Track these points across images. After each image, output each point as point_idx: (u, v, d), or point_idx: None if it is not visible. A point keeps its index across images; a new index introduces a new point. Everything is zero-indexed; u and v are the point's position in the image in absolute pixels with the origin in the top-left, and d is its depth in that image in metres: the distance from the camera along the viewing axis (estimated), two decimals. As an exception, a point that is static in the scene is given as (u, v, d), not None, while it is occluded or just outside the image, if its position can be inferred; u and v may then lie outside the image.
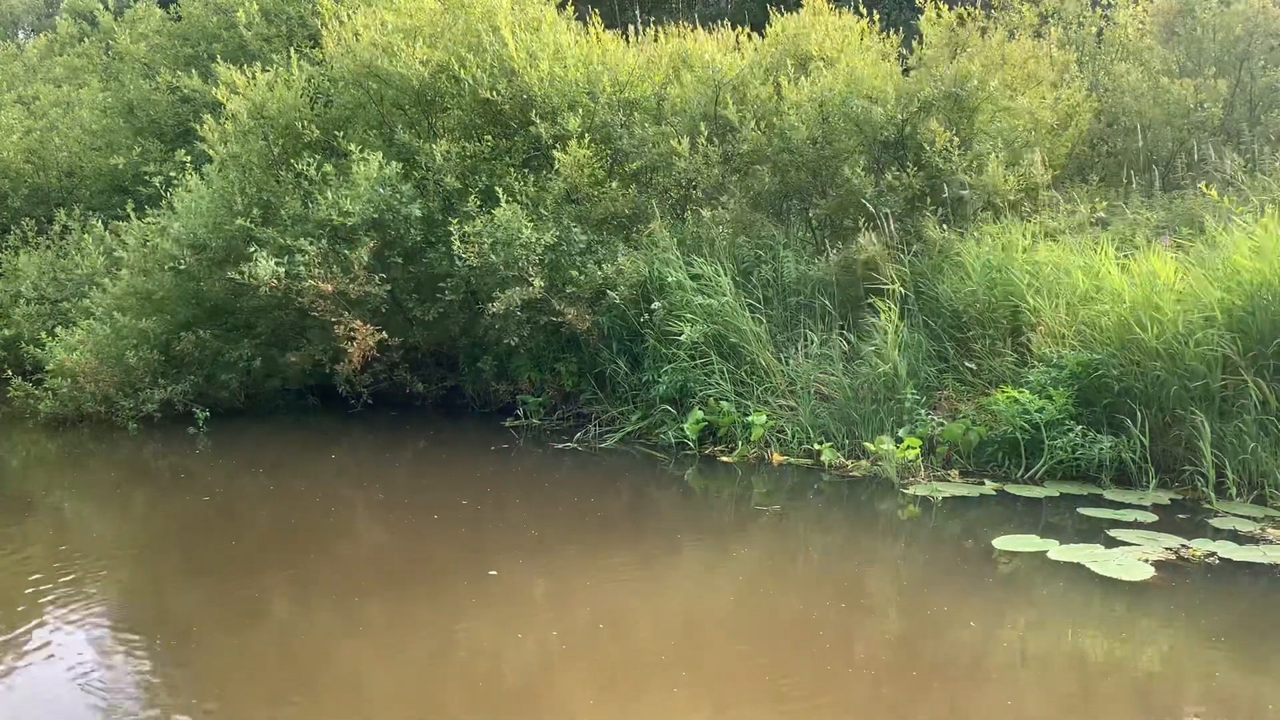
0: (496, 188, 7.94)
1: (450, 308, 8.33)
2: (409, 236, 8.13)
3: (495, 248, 7.70)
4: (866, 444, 6.60)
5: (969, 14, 8.39)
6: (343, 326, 7.89)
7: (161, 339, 8.58)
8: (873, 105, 7.63)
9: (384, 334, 8.05)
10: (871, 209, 7.51)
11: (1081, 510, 5.62)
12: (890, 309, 6.92)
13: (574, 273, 7.86)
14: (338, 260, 7.94)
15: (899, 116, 7.66)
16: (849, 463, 6.59)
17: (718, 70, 8.34)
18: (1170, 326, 6.02)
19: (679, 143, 8.12)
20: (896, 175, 7.61)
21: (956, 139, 7.51)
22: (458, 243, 7.71)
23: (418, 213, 8.04)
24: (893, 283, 7.12)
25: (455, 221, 7.89)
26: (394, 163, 8.08)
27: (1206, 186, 7.05)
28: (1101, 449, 6.01)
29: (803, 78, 8.12)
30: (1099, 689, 3.66)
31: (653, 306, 7.66)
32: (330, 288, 7.79)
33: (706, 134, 8.21)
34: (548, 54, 8.38)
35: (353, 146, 8.13)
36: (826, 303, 7.45)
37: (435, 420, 8.78)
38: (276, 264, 7.72)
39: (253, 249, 7.85)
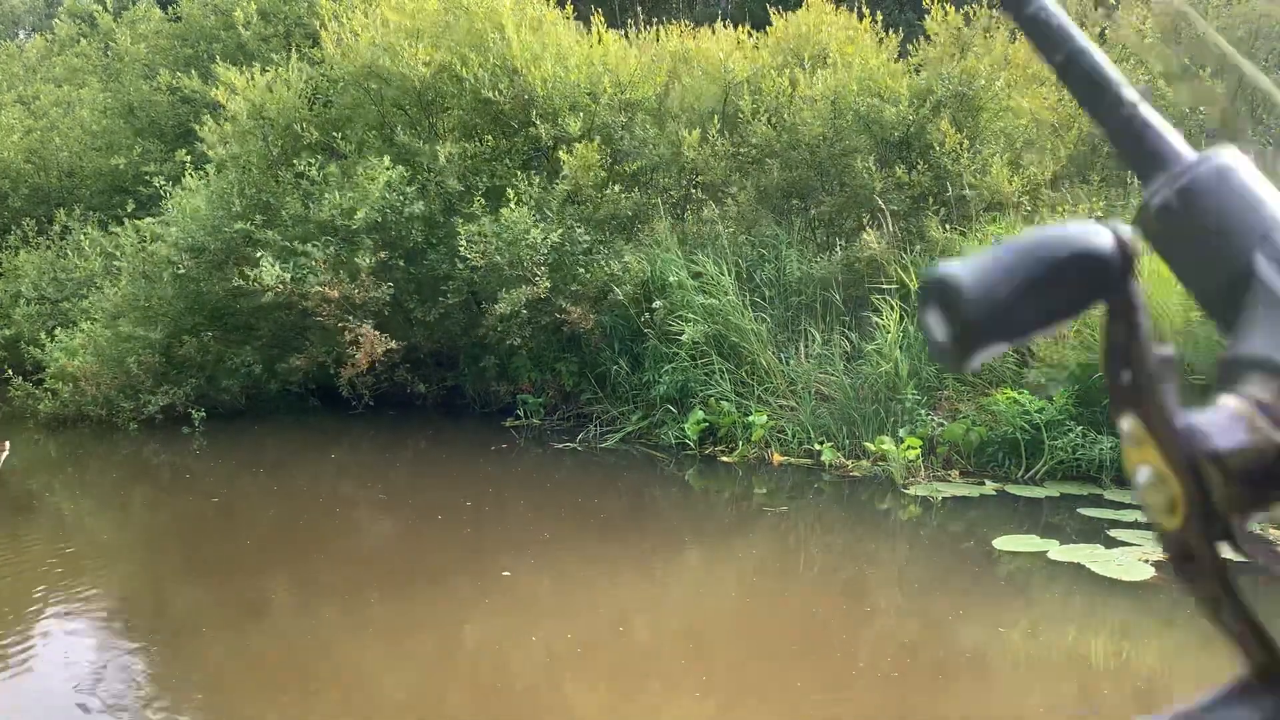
0: (508, 188, 7.93)
1: (451, 309, 8.33)
2: (410, 238, 8.13)
3: (500, 248, 7.70)
4: (867, 444, 6.61)
5: (975, 14, 8.38)
6: (349, 332, 7.88)
7: (162, 343, 8.56)
8: (884, 104, 7.63)
9: (392, 342, 8.02)
10: (881, 204, 7.52)
11: (1082, 510, 5.62)
12: (892, 308, 6.93)
13: (580, 270, 7.87)
14: (344, 265, 7.93)
15: (910, 116, 7.66)
16: (849, 463, 6.59)
17: (729, 71, 8.33)
18: (1173, 325, 6.03)
19: (689, 133, 8.10)
20: (905, 174, 7.62)
21: (966, 140, 7.52)
22: (464, 243, 7.70)
23: (420, 211, 8.04)
24: (899, 281, 7.12)
25: (462, 222, 7.88)
26: (399, 166, 8.08)
27: None
28: (1102, 449, 6.01)
29: (819, 70, 8.11)
30: (1100, 688, 3.67)
31: (654, 305, 7.67)
32: (336, 293, 7.78)
33: (719, 127, 8.19)
34: (550, 55, 8.37)
35: (358, 150, 8.12)
36: (834, 298, 7.45)
37: (435, 420, 8.78)
38: (282, 268, 7.71)
39: (260, 253, 7.83)
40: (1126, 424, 0.34)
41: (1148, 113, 0.39)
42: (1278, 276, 0.34)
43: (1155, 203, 0.38)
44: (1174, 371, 0.34)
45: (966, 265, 0.34)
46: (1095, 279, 0.34)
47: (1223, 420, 0.32)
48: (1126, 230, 0.34)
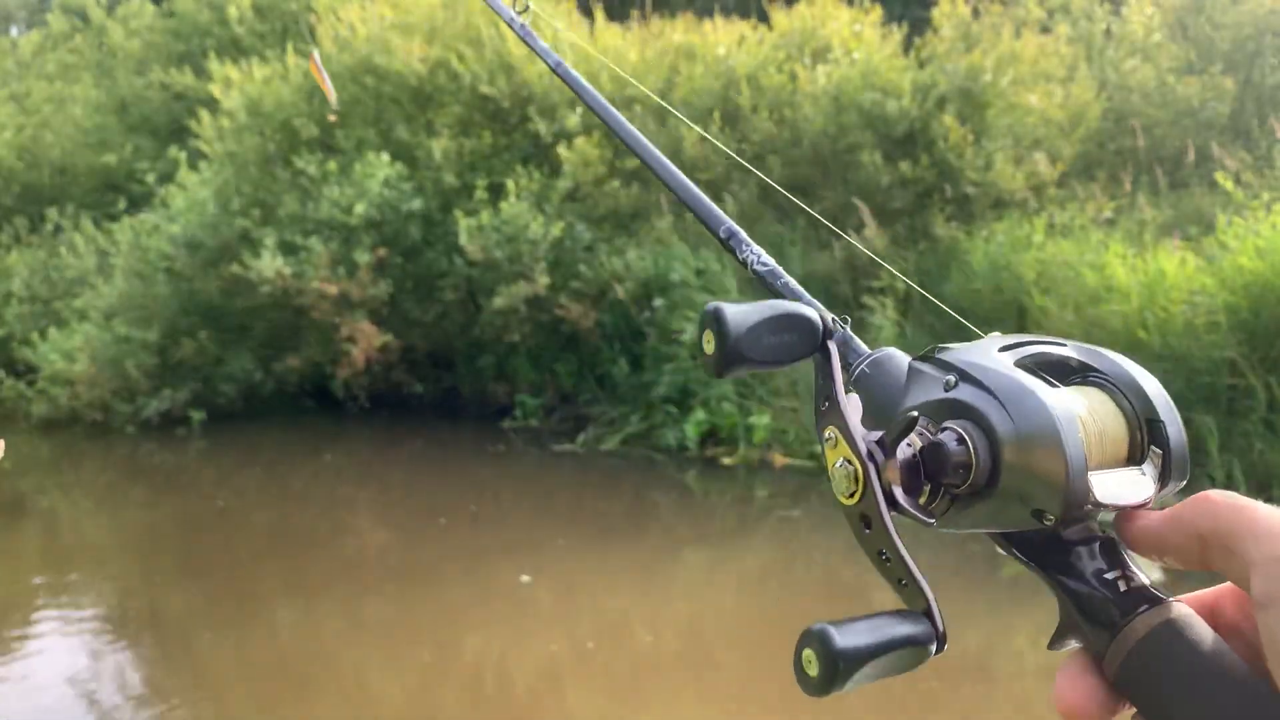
0: (508, 181, 7.86)
1: (449, 307, 8.26)
2: (408, 235, 8.06)
3: (500, 243, 7.63)
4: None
5: (984, 9, 8.29)
6: (346, 327, 7.82)
7: (157, 345, 8.47)
8: (886, 99, 7.54)
9: (389, 336, 7.97)
10: (889, 202, 7.44)
11: (1089, 513, 5.55)
12: (886, 305, 6.86)
13: (582, 268, 7.79)
14: (344, 261, 7.87)
15: (913, 112, 7.57)
16: (852, 464, 6.50)
17: (730, 68, 8.25)
18: (1175, 326, 5.97)
19: (689, 128, 8.01)
20: (909, 170, 7.53)
21: (970, 135, 7.43)
22: (465, 235, 7.62)
23: (418, 207, 7.96)
24: (888, 280, 7.07)
25: (462, 215, 7.80)
26: (398, 163, 8.01)
27: (1223, 178, 6.97)
28: (1108, 450, 5.94)
29: (820, 66, 8.02)
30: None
31: (655, 304, 7.59)
32: (335, 290, 7.71)
33: (720, 123, 8.11)
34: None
35: (356, 146, 8.05)
36: (836, 297, 7.38)
37: (432, 421, 8.70)
38: (284, 262, 7.64)
39: (268, 239, 7.76)
40: (828, 432, 0.50)
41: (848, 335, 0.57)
42: (921, 375, 0.50)
43: (854, 374, 0.55)
44: (860, 403, 0.51)
45: (731, 306, 0.51)
46: (808, 336, 0.52)
47: (895, 431, 0.48)
48: (829, 314, 0.54)
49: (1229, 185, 6.94)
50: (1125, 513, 0.46)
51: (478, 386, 8.75)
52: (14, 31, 20.29)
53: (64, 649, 4.00)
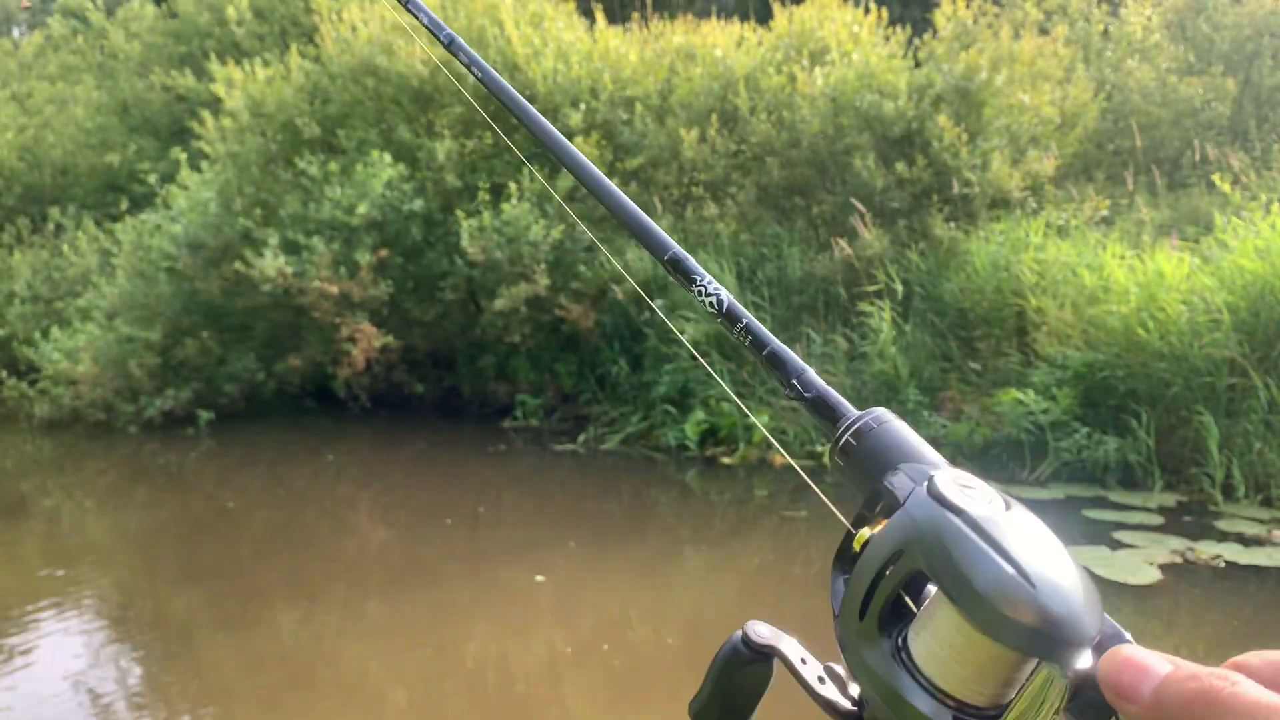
0: (511, 182, 7.88)
1: (449, 307, 8.28)
2: (409, 236, 8.08)
3: (500, 244, 7.65)
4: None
5: (982, 9, 8.32)
6: (347, 328, 7.84)
7: (160, 344, 8.50)
8: (883, 100, 7.56)
9: (389, 337, 7.99)
10: (887, 203, 7.46)
11: (1087, 513, 5.57)
12: (884, 307, 6.88)
13: (582, 268, 7.82)
14: (345, 262, 7.89)
15: (909, 112, 7.59)
16: (852, 464, 6.51)
17: (729, 68, 8.27)
18: (1175, 326, 5.98)
19: (687, 132, 8.04)
20: (905, 171, 7.56)
21: (965, 134, 7.45)
22: (467, 236, 7.64)
23: (419, 206, 7.98)
24: (891, 280, 7.08)
25: (464, 216, 7.82)
26: (399, 164, 8.03)
27: (1220, 179, 6.99)
28: (1107, 450, 5.96)
29: (817, 68, 8.03)
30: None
31: (655, 304, 7.61)
32: (336, 290, 7.74)
33: (717, 125, 8.14)
34: (550, 50, 8.31)
35: (357, 147, 8.07)
36: (835, 297, 7.40)
37: (432, 421, 8.72)
38: (285, 262, 7.67)
39: (271, 239, 7.79)
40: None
41: (825, 385, 0.56)
42: (906, 486, 0.47)
43: (841, 443, 0.52)
44: (834, 679, 0.49)
45: (696, 704, 0.51)
46: (759, 666, 0.51)
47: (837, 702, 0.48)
48: (755, 627, 0.51)
49: (1226, 187, 6.96)
50: (1106, 682, 0.41)
51: (478, 386, 8.77)
52: (15, 33, 20.28)
53: (66, 649, 4.02)
